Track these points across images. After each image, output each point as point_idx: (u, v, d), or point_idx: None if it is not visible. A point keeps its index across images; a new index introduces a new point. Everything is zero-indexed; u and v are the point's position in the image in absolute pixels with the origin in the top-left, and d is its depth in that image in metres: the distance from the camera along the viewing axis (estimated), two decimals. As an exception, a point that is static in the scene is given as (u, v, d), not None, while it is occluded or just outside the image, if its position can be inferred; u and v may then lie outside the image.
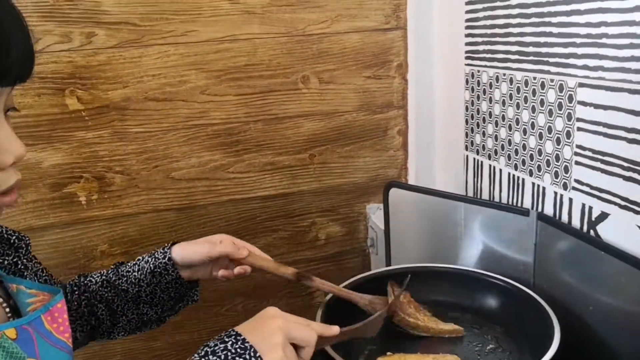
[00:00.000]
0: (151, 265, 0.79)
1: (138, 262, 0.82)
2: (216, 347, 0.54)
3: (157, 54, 1.04)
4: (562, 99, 0.81)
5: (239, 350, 0.53)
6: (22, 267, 0.68)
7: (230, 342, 0.54)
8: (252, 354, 0.53)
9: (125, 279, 0.80)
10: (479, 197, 1.07)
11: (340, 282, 0.91)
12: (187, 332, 1.20)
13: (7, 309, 0.60)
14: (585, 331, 0.77)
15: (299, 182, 1.19)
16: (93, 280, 0.82)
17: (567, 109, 0.80)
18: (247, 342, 0.54)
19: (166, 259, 0.79)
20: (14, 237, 0.68)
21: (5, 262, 0.66)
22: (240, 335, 0.54)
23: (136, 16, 1.01)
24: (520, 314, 0.83)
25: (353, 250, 1.28)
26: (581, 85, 0.77)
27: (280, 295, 1.25)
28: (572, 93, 0.79)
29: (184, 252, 0.79)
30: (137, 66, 1.03)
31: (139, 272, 0.80)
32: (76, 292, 0.81)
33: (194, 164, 1.11)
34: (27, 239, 0.69)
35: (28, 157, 1.02)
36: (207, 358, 0.53)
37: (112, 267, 0.83)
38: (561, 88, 0.81)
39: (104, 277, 0.82)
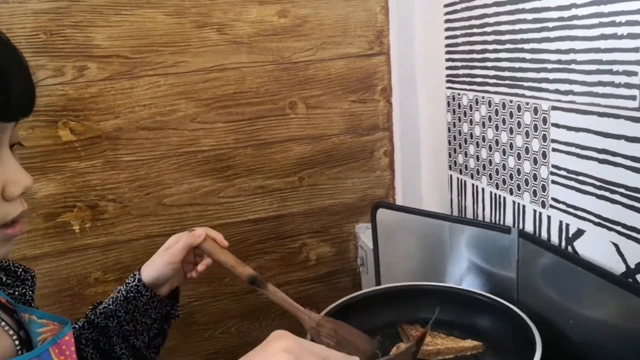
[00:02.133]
0: (123, 293, 0.79)
1: (112, 296, 0.81)
2: None
3: (147, 85, 1.07)
4: (537, 121, 0.85)
5: None
6: (30, 299, 0.70)
7: None
8: None
9: (103, 315, 0.79)
10: (463, 215, 1.10)
11: (332, 301, 0.93)
12: (183, 355, 1.21)
13: (17, 341, 0.62)
14: (566, 344, 0.80)
15: (289, 204, 1.22)
16: (76, 326, 0.81)
17: (542, 130, 0.84)
18: None
19: (136, 281, 0.79)
20: (20, 270, 0.69)
21: (16, 293, 0.67)
22: None
23: (127, 49, 1.04)
24: (504, 329, 0.85)
25: (343, 270, 1.30)
26: (554, 108, 0.81)
27: (273, 317, 1.26)
28: (546, 115, 0.83)
29: (150, 271, 0.79)
30: (128, 97, 1.06)
31: (114, 304, 0.79)
32: None
33: (185, 190, 1.13)
34: (32, 271, 0.71)
35: (22, 188, 1.04)
36: None
37: (90, 307, 0.82)
38: (536, 110, 0.85)
39: (84, 320, 0.81)
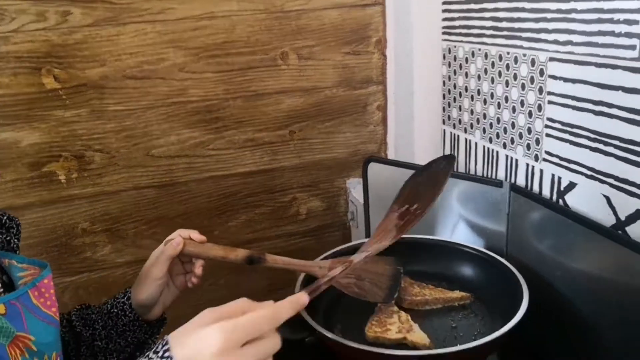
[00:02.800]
0: (109, 306, 0.76)
1: (99, 306, 0.78)
2: None
3: (134, 32, 1.03)
4: (533, 73, 0.83)
5: None
6: (15, 246, 0.69)
7: None
8: None
9: (82, 321, 0.76)
10: (455, 170, 1.09)
11: (321, 255, 0.94)
12: (171, 307, 1.21)
13: (0, 286, 0.61)
14: (553, 295, 0.81)
15: (280, 158, 1.20)
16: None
17: (539, 82, 0.82)
18: None
19: (124, 298, 0.75)
20: (5, 217, 0.68)
21: None
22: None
23: (112, -7, 1.00)
24: (492, 281, 0.86)
25: (334, 224, 1.30)
26: (552, 59, 0.79)
27: (262, 270, 1.26)
28: (543, 67, 0.81)
29: (138, 293, 0.74)
30: (115, 44, 1.03)
31: (97, 314, 0.76)
32: None
33: (173, 142, 1.11)
34: (17, 220, 0.70)
35: (6, 137, 1.01)
36: None
37: (77, 307, 0.79)
38: (533, 62, 0.83)
39: (66, 317, 0.78)
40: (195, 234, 0.75)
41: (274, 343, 0.51)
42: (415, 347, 0.74)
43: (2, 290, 0.61)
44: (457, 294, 0.85)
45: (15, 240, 0.70)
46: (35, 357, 0.57)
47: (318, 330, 0.71)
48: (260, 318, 0.50)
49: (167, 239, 0.75)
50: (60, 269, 1.13)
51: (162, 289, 0.75)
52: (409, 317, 0.79)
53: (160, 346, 0.50)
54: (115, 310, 0.75)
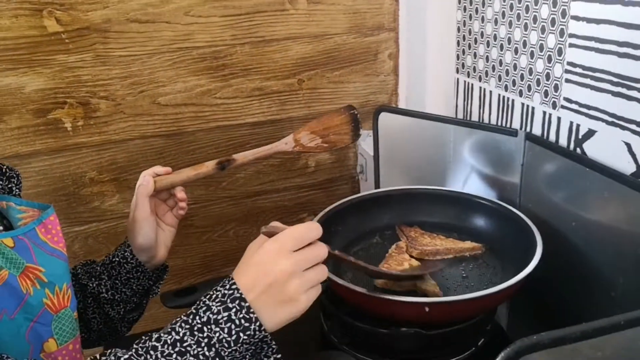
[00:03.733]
0: (110, 256, 0.77)
1: (102, 260, 0.79)
2: (219, 317, 0.50)
3: (137, -28, 0.99)
4: (555, 14, 0.79)
5: (244, 322, 0.50)
6: (17, 194, 0.69)
7: (234, 310, 0.50)
8: (257, 327, 0.50)
9: (87, 274, 0.77)
10: (468, 119, 1.06)
11: (329, 207, 0.92)
12: (180, 257, 1.22)
13: (0, 227, 0.61)
14: (567, 247, 0.79)
15: (288, 108, 1.18)
16: None
17: (560, 24, 0.78)
18: (253, 313, 0.50)
19: (124, 246, 0.76)
20: (5, 167, 0.68)
21: (1, 187, 0.66)
22: (244, 300, 0.50)
23: None
24: (504, 232, 0.84)
25: (342, 177, 1.29)
26: (575, -2, 0.75)
27: (271, 221, 1.26)
28: (566, 7, 0.77)
29: (132, 238, 0.75)
30: (117, -15, 0.99)
31: (100, 266, 0.77)
32: None
33: (180, 89, 1.08)
34: (17, 171, 0.70)
35: (9, 82, 0.99)
36: (209, 327, 0.50)
37: (82, 262, 0.80)
38: (555, 3, 0.79)
39: (71, 271, 0.77)
40: (158, 169, 0.76)
41: (321, 248, 0.55)
42: (425, 295, 0.73)
43: (3, 231, 0.61)
44: (468, 244, 0.84)
45: (17, 190, 0.69)
46: (46, 288, 0.58)
47: (329, 276, 0.70)
48: (300, 227, 0.55)
49: (137, 183, 0.75)
50: (70, 219, 1.13)
51: (154, 228, 0.75)
52: (420, 265, 0.78)
53: (226, 281, 0.53)
54: (117, 259, 0.76)
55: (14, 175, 0.69)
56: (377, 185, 1.13)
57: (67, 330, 0.61)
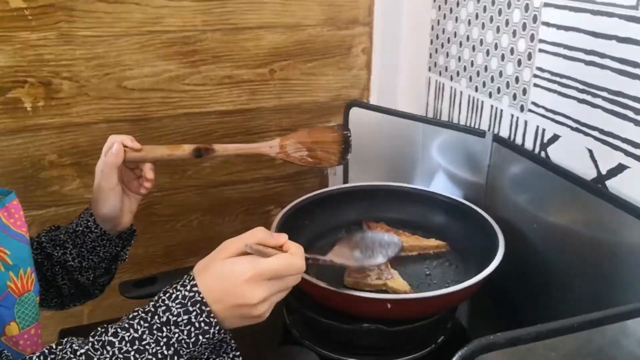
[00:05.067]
0: (74, 225, 0.75)
1: (65, 226, 0.77)
2: (179, 319, 0.49)
3: (105, -50, 0.96)
4: (526, 19, 0.80)
5: (203, 325, 0.50)
6: None
7: (194, 314, 0.49)
8: (216, 331, 0.50)
9: (52, 243, 0.76)
10: (439, 118, 1.07)
11: (297, 199, 0.92)
12: (142, 246, 1.19)
13: None
14: (527, 248, 0.81)
15: (258, 98, 1.16)
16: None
17: (531, 29, 0.79)
18: (213, 318, 0.50)
19: (87, 215, 0.74)
20: None
21: None
22: (205, 305, 0.50)
23: None
24: (468, 231, 0.86)
25: (311, 171, 1.28)
26: (546, 4, 0.76)
27: (237, 213, 1.25)
28: (537, 13, 0.78)
29: (96, 207, 0.73)
30: (85, -38, 0.95)
31: (65, 235, 0.75)
32: None
33: (147, 74, 1.05)
34: None
35: (-34, 58, 0.95)
36: (169, 327, 0.49)
37: (45, 229, 0.77)
38: (527, 7, 0.80)
39: (35, 239, 0.77)
40: (129, 142, 0.73)
41: (297, 279, 0.54)
42: (394, 293, 0.73)
43: None
44: (433, 242, 0.85)
45: None
46: (10, 271, 0.57)
47: (290, 270, 0.70)
48: (284, 262, 0.52)
49: (104, 148, 0.72)
50: (27, 202, 1.08)
51: (120, 198, 0.73)
52: (389, 264, 0.78)
53: (186, 280, 0.51)
54: (81, 229, 0.74)
55: None
56: (345, 180, 1.13)
57: (30, 315, 0.59)
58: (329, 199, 0.93)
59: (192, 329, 0.50)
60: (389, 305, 0.66)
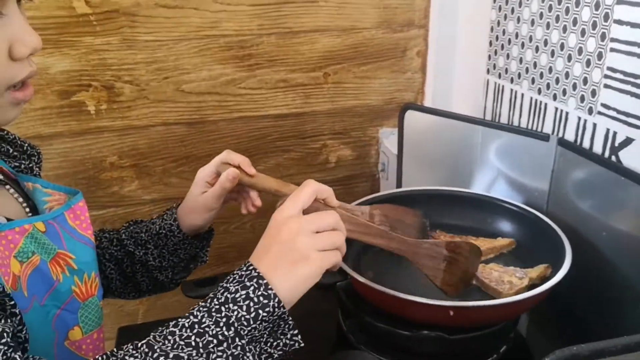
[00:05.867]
0: (157, 227, 0.75)
1: (147, 224, 0.77)
2: (237, 295, 0.49)
3: (167, -43, 0.98)
4: (597, 17, 0.77)
5: (262, 299, 0.49)
6: (37, 174, 0.68)
7: (252, 288, 0.49)
8: (276, 304, 0.49)
9: (133, 240, 0.76)
10: (497, 122, 1.04)
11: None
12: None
13: (27, 209, 0.60)
14: (595, 256, 0.77)
15: (312, 102, 1.16)
16: (107, 236, 0.79)
17: (602, 28, 0.76)
18: (271, 289, 0.50)
19: (171, 220, 0.74)
20: (26, 145, 0.67)
21: (22, 165, 0.66)
22: (262, 278, 0.50)
23: None
24: (532, 239, 0.82)
25: (363, 175, 1.27)
26: (619, 2, 0.72)
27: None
28: (609, 11, 0.74)
29: (189, 221, 0.73)
30: (147, -31, 0.98)
31: (146, 234, 0.76)
32: None
33: (204, 77, 1.07)
34: (38, 148, 0.69)
35: (36, 62, 0.98)
36: (227, 306, 0.49)
37: (125, 224, 0.79)
38: (597, 5, 0.76)
39: (115, 235, 0.79)
40: (246, 165, 0.71)
41: (329, 213, 0.55)
42: (543, 281, 0.70)
43: (30, 214, 0.60)
44: (502, 241, 0.83)
45: (37, 168, 0.69)
46: (75, 275, 0.58)
47: (350, 274, 0.69)
48: (324, 214, 0.55)
49: (217, 160, 0.71)
50: (88, 202, 1.10)
51: (213, 216, 0.74)
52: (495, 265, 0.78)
53: (243, 264, 0.52)
54: (164, 232, 0.74)
55: (35, 154, 0.68)
56: (398, 185, 1.11)
57: (93, 319, 0.60)
58: (383, 203, 0.92)
59: (251, 303, 0.49)
60: (451, 313, 0.64)
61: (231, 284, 0.50)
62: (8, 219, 0.54)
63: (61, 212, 0.59)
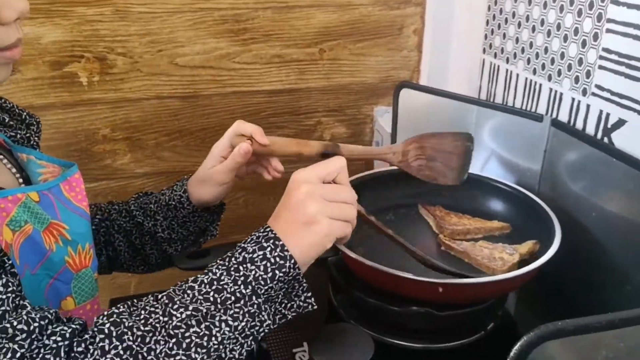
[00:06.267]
0: (166, 198, 0.75)
1: (156, 195, 0.77)
2: (255, 255, 0.51)
3: None
4: (594, -3, 0.76)
5: (278, 260, 0.50)
6: (35, 144, 0.68)
7: (269, 249, 0.51)
8: (292, 265, 0.51)
9: (142, 211, 0.76)
10: (492, 101, 1.04)
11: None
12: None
13: (20, 180, 0.60)
14: (584, 237, 0.78)
15: (307, 78, 1.15)
16: (116, 208, 0.79)
17: (599, 8, 0.75)
18: (287, 251, 0.51)
19: (181, 192, 0.74)
20: (24, 114, 0.66)
21: (18, 135, 0.65)
22: (278, 239, 0.51)
23: None
24: (522, 218, 0.83)
25: (357, 152, 1.27)
26: (618, -18, 0.72)
27: (282, 192, 1.25)
28: (607, -9, 0.74)
29: (202, 194, 0.73)
30: (141, -62, 0.96)
31: (155, 205, 0.76)
32: (97, 217, 0.78)
33: (198, 51, 1.06)
34: (37, 117, 0.68)
35: (27, 32, 0.97)
36: (245, 266, 0.50)
37: (134, 196, 0.79)
38: (595, -15, 0.76)
39: (124, 207, 0.78)
40: (258, 135, 0.70)
41: (344, 188, 0.57)
42: (532, 258, 0.71)
43: (23, 185, 0.60)
44: (496, 223, 0.83)
45: (36, 138, 0.68)
46: (69, 246, 0.58)
47: (341, 250, 0.70)
48: (340, 187, 0.57)
49: (230, 132, 0.70)
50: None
51: (226, 190, 0.73)
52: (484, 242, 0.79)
53: (260, 227, 0.54)
54: (173, 203, 0.74)
55: (34, 123, 0.67)
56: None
57: (86, 290, 0.60)
58: (377, 180, 0.92)
59: (268, 264, 0.50)
60: (440, 289, 0.65)
61: (249, 244, 0.52)
62: (0, 189, 0.54)
63: (56, 183, 0.59)
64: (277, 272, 0.50)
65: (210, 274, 0.51)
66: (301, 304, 0.53)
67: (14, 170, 0.61)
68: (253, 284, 0.50)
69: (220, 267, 0.51)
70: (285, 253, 0.51)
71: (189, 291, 0.49)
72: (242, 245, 0.52)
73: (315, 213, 0.53)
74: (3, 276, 0.47)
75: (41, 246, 0.54)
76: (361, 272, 0.71)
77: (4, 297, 0.45)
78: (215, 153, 0.72)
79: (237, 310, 0.49)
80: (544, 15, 0.87)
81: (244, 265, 0.50)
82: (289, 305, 0.53)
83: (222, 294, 0.49)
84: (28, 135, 0.67)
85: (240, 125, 0.71)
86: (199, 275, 0.51)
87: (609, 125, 0.76)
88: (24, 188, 0.57)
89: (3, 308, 0.45)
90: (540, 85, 0.90)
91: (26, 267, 0.52)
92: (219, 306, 0.49)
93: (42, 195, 0.57)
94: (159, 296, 0.50)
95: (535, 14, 0.89)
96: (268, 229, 0.53)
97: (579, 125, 0.82)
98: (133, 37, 1.02)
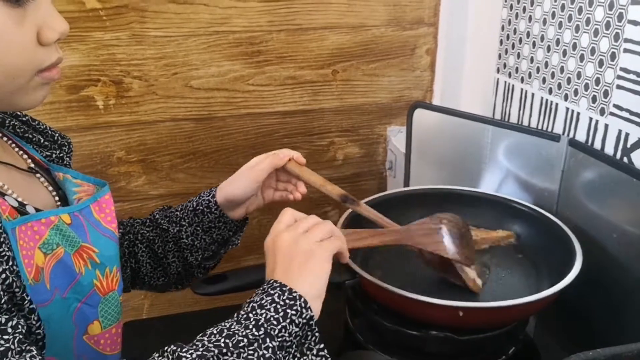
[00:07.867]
0: (194, 203, 0.76)
1: (182, 204, 0.78)
2: (264, 301, 0.51)
3: (177, -47, 0.98)
4: (610, 17, 0.76)
5: (288, 301, 0.51)
6: (67, 164, 0.68)
7: (277, 295, 0.51)
8: (302, 304, 0.51)
9: (167, 219, 0.77)
10: (507, 121, 1.03)
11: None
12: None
13: (57, 198, 0.60)
14: (605, 258, 0.77)
15: (320, 99, 1.16)
16: (139, 220, 0.80)
17: (616, 28, 0.75)
18: (295, 292, 0.51)
19: (209, 196, 0.75)
20: (57, 135, 0.67)
21: (53, 155, 0.66)
22: (284, 285, 0.52)
23: None
24: (541, 240, 0.82)
25: (370, 173, 1.27)
26: (634, 2, 0.72)
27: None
28: (623, 11, 0.74)
29: (230, 189, 0.74)
30: (157, -36, 0.98)
31: (181, 211, 0.76)
32: (120, 230, 0.78)
33: (213, 73, 1.07)
34: (68, 138, 0.69)
35: (44, 57, 0.99)
36: (255, 312, 0.50)
37: (159, 209, 0.80)
38: (611, 6, 0.76)
39: (149, 217, 0.79)
40: (297, 154, 0.76)
41: (312, 217, 0.59)
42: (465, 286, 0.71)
43: (59, 203, 0.60)
44: (501, 233, 0.83)
45: (68, 158, 0.69)
46: (97, 269, 0.58)
47: (359, 273, 0.69)
48: (303, 218, 0.59)
49: (273, 152, 0.76)
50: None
51: (253, 193, 0.75)
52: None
53: (278, 290, 0.53)
54: (201, 208, 0.75)
55: (65, 144, 0.68)
56: (406, 183, 1.11)
57: (112, 314, 0.60)
58: (391, 201, 0.91)
59: (278, 305, 0.50)
60: (460, 313, 0.64)
61: (255, 297, 0.52)
62: (37, 209, 0.54)
63: (87, 205, 0.59)
64: (288, 311, 0.50)
65: (219, 326, 0.50)
66: (314, 358, 0.52)
67: (50, 188, 0.61)
68: (265, 325, 0.49)
69: (228, 321, 0.51)
70: (294, 294, 0.51)
71: (197, 343, 0.48)
72: (248, 300, 0.53)
73: (307, 245, 0.55)
74: (15, 318, 0.46)
75: (72, 269, 0.54)
76: (379, 295, 0.70)
77: (11, 337, 0.45)
78: (254, 160, 0.76)
79: (251, 352, 0.47)
80: (559, 35, 0.87)
81: (254, 312, 0.50)
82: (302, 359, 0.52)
83: (233, 339, 0.48)
84: (62, 155, 0.68)
85: (285, 150, 0.76)
86: (206, 330, 0.50)
87: (628, 145, 0.75)
88: (57, 210, 0.57)
89: (7, 345, 0.44)
90: (557, 104, 0.89)
91: (56, 291, 0.52)
92: (232, 349, 0.47)
93: (73, 217, 0.57)
94: (166, 348, 0.48)
95: (550, 34, 0.89)
96: (271, 281, 0.53)
97: (597, 145, 0.81)
98: (149, 60, 1.03)
